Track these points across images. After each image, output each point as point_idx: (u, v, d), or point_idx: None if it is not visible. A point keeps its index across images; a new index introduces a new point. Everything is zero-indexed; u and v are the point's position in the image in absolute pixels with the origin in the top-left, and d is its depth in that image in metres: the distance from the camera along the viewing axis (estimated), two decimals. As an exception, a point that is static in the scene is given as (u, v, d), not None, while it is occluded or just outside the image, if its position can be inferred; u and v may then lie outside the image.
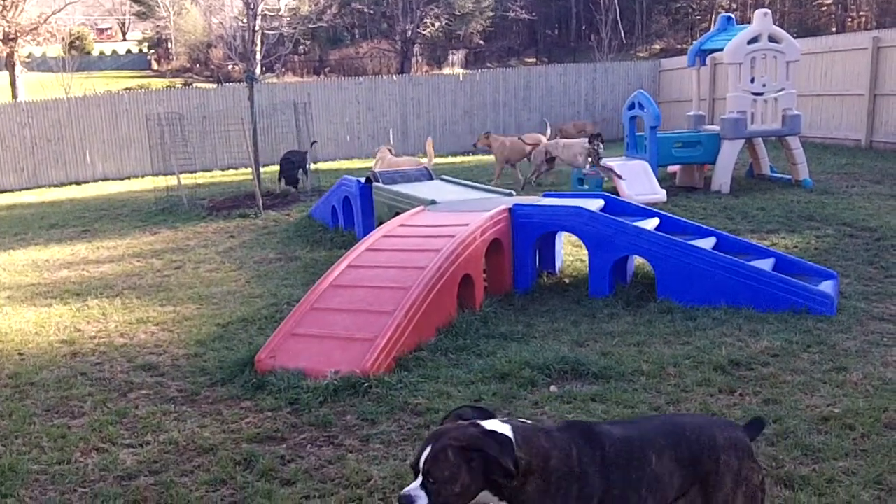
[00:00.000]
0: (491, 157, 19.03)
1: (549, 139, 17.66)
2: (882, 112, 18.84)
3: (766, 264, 8.28)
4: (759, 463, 3.34)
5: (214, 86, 31.48)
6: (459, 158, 23.96)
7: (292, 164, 18.19)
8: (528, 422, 3.15)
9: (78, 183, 25.00)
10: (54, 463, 5.29)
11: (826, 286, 7.87)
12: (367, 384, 6.15)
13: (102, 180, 25.24)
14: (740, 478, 3.22)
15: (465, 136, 28.40)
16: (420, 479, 2.86)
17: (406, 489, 2.88)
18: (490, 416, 3.06)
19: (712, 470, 3.20)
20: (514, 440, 2.89)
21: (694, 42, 16.75)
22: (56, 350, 7.86)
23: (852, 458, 4.77)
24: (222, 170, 24.41)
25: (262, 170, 17.84)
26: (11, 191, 24.28)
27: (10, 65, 37.15)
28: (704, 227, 9.49)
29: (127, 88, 33.04)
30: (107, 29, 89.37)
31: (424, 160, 15.62)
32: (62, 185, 24.90)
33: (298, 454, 5.26)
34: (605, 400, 5.79)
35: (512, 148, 17.38)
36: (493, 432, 2.88)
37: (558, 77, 29.34)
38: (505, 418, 3.07)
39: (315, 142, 18.80)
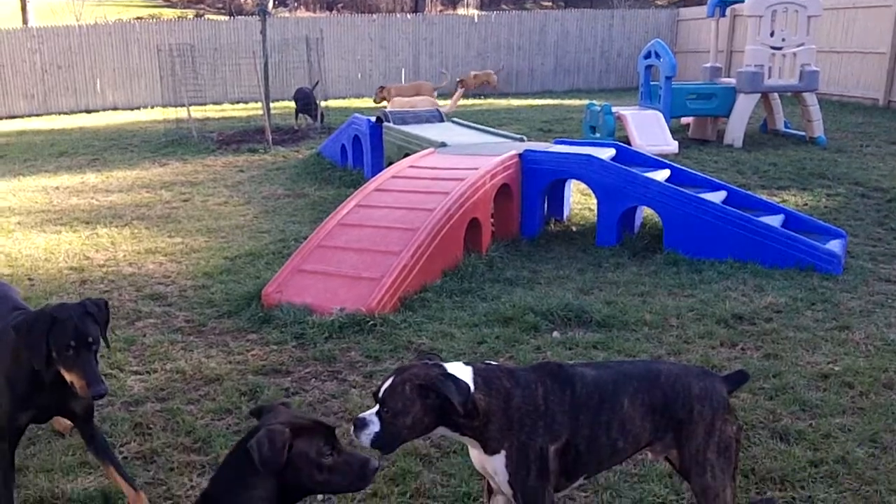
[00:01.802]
0: (498, 102, 18.93)
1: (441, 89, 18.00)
2: (901, 72, 18.64)
3: (774, 220, 8.27)
4: (736, 415, 3.35)
5: (226, 18, 31.22)
6: (470, 101, 23.81)
7: (307, 97, 18.25)
8: (494, 363, 3.23)
9: (88, 111, 24.92)
10: (62, 387, 5.36)
11: (834, 245, 7.88)
12: (371, 322, 6.21)
13: (112, 109, 25.14)
14: (713, 429, 3.23)
15: (477, 78, 28.21)
16: (377, 407, 2.99)
17: (362, 414, 3.03)
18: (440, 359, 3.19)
19: (685, 418, 3.23)
20: (473, 382, 3.01)
21: (714, -8, 16.52)
22: (65, 277, 7.92)
23: (849, 415, 4.82)
24: (232, 103, 24.30)
25: (272, 105, 17.76)
26: (21, 116, 24.21)
27: (21, -11, 36.75)
28: (715, 180, 9.47)
29: (138, 17, 32.77)
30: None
31: (443, 103, 15.54)
32: (72, 112, 24.82)
33: (303, 387, 5.33)
34: (606, 348, 5.84)
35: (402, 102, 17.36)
36: (452, 375, 2.98)
37: (574, 22, 29.01)
38: (468, 361, 3.19)
39: (318, 82, 18.71)
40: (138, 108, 25.15)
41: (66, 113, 24.74)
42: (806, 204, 10.24)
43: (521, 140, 10.26)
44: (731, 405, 3.33)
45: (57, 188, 12.60)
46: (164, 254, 8.68)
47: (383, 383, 3.02)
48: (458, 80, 20.93)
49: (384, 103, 19.43)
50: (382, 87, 20.73)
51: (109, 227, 9.92)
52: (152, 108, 24.00)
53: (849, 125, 16.42)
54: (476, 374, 3.06)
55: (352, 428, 3.02)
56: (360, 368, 5.60)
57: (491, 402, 3.02)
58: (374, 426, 2.96)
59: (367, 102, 22.31)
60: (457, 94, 15.74)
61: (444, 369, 3.03)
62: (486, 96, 24.51)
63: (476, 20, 29.01)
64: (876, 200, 10.35)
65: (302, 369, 5.62)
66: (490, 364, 3.22)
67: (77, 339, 3.46)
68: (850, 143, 14.41)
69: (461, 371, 3.05)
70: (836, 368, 5.44)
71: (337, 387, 5.33)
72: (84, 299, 3.72)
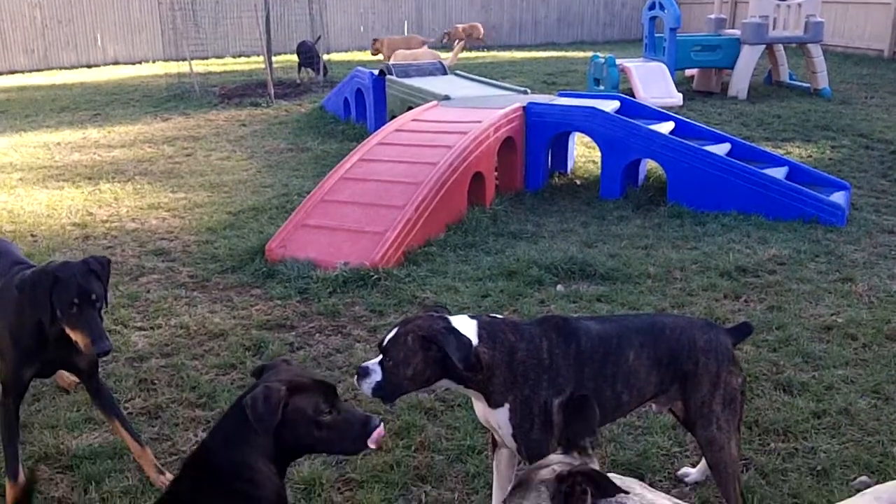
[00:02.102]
0: (501, 54, 18.79)
1: (431, 44, 18.25)
2: (907, 22, 18.45)
3: (779, 173, 8.24)
4: (740, 367, 3.37)
5: (227, -30, 30.86)
6: (474, 54, 23.62)
7: (309, 50, 18.17)
8: (499, 317, 3.24)
9: (89, 66, 24.72)
10: (67, 342, 5.38)
11: (838, 197, 7.86)
12: (375, 276, 6.21)
13: (113, 64, 24.95)
14: (719, 380, 3.25)
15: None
16: (380, 356, 3.02)
17: (365, 363, 3.06)
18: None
19: (691, 371, 3.24)
20: (478, 335, 3.03)
21: (719, -58, 16.33)
22: (68, 233, 7.92)
23: (852, 366, 4.83)
24: (234, 57, 24.09)
25: (274, 59, 17.64)
26: (22, 72, 24.03)
27: (19, -59, 36.37)
28: (719, 132, 9.42)
29: (138, -30, 32.42)
30: None
31: (445, 55, 15.43)
32: (73, 67, 24.63)
33: (307, 342, 5.35)
34: (610, 301, 5.85)
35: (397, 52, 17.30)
36: (455, 330, 2.99)
37: (578, -27, 28.68)
38: (473, 314, 3.18)
39: (320, 36, 18.60)
40: (140, 62, 24.94)
41: (66, 68, 24.54)
42: (810, 156, 10.20)
43: (525, 93, 10.19)
44: (736, 357, 3.34)
45: (59, 144, 12.54)
46: (167, 209, 8.66)
47: (387, 334, 3.04)
48: (444, 32, 20.86)
49: (379, 56, 19.68)
50: (376, 40, 20.94)
51: (112, 182, 9.90)
52: (154, 62, 23.80)
53: (853, 77, 16.29)
54: (481, 327, 3.06)
55: (355, 377, 3.05)
56: (364, 323, 5.62)
57: (495, 356, 3.02)
58: (377, 375, 2.98)
59: (370, 55, 22.13)
60: (457, 46, 15.63)
61: (449, 323, 3.03)
62: (474, 49, 24.26)
63: (479, -29, 28.67)
64: (880, 152, 10.30)
65: (306, 324, 5.63)
66: (495, 318, 3.21)
67: (80, 296, 3.46)
68: (855, 95, 14.31)
69: (466, 325, 3.05)
70: (839, 320, 5.45)
71: (341, 341, 5.35)
72: (87, 257, 3.72)
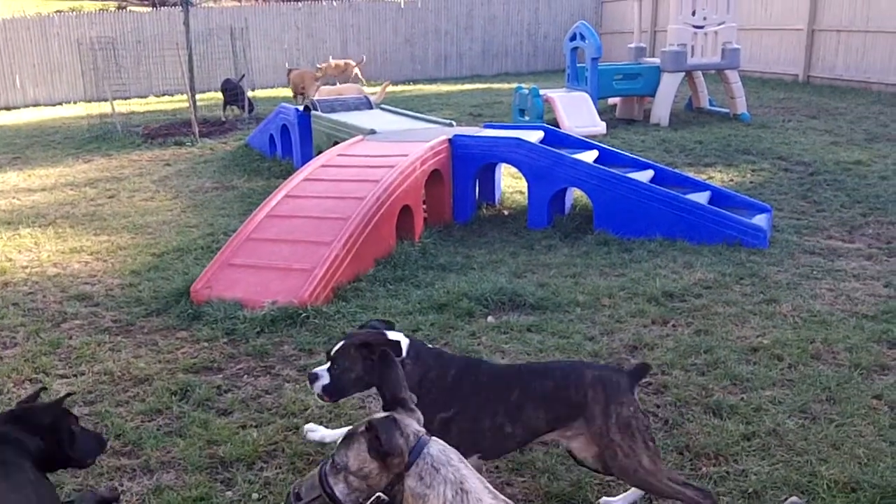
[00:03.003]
0: (428, 87, 18.89)
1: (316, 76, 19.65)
2: (820, 47, 19.06)
3: (702, 197, 8.38)
4: (634, 398, 3.50)
5: (149, 9, 30.56)
6: (399, 88, 23.72)
7: (234, 88, 18.08)
8: (431, 346, 3.85)
9: (7, 108, 24.23)
10: (-15, 394, 5.22)
11: (760, 219, 8.00)
12: (304, 314, 6.14)
13: (34, 106, 24.50)
14: (609, 410, 3.42)
15: (405, 63, 28.15)
16: (328, 364, 3.55)
17: (315, 369, 3.61)
18: (392, 327, 3.78)
19: (582, 403, 3.47)
20: (406, 351, 3.56)
21: (636, -27, 16.68)
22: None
23: (779, 387, 4.90)
24: (157, 96, 23.84)
25: (198, 97, 17.48)
26: (-63, 115, 23.48)
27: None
28: (642, 159, 9.55)
29: (58, 10, 31.93)
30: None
31: (369, 90, 15.45)
32: (-9, 109, 24.14)
33: (235, 384, 5.25)
34: (541, 330, 5.86)
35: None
36: (392, 342, 3.54)
37: (501, 6, 29.02)
38: (409, 334, 3.77)
39: (244, 75, 18.52)
40: (60, 103, 24.54)
41: (-16, 110, 24.04)
42: (732, 180, 10.40)
43: (451, 125, 10.24)
44: (628, 390, 3.49)
45: (-24, 189, 12.23)
46: (89, 252, 8.47)
47: (335, 345, 3.57)
48: (316, 67, 21.10)
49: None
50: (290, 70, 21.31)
51: (32, 226, 9.66)
52: (75, 103, 23.43)
53: (771, 101, 16.73)
54: (411, 345, 3.61)
55: (307, 381, 3.60)
56: (294, 362, 5.54)
57: (413, 370, 3.50)
58: (325, 379, 3.53)
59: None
60: (383, 85, 15.74)
61: (387, 337, 3.58)
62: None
63: (403, 6, 28.83)
64: (799, 174, 10.55)
65: (234, 366, 5.53)
66: (426, 344, 3.80)
67: None
68: (773, 119, 14.68)
69: (400, 339, 3.61)
70: (765, 341, 5.53)
71: (270, 382, 5.26)
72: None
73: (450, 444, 2.51)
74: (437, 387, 3.54)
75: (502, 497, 2.35)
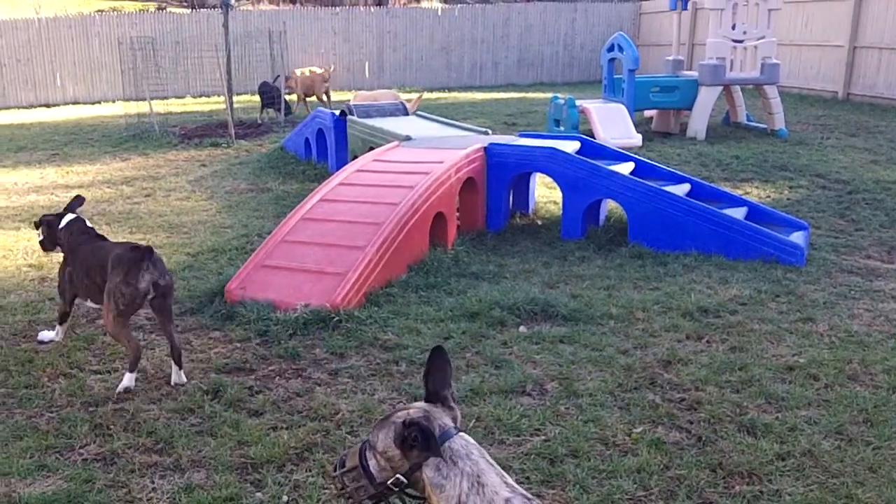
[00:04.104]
0: (462, 95, 18.94)
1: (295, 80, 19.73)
2: (861, 64, 18.85)
3: (738, 213, 8.31)
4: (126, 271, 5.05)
5: (188, 11, 30.85)
6: (434, 95, 23.76)
7: (271, 91, 18.17)
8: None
9: (48, 105, 24.53)
10: (21, 387, 5.26)
11: (797, 237, 7.93)
12: (336, 318, 6.14)
13: (73, 104, 24.79)
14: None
15: (441, 71, 28.18)
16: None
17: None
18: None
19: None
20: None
21: (677, -15, 16.61)
22: (24, 274, 7.77)
23: (815, 407, 4.84)
24: (195, 97, 24.03)
25: (235, 99, 17.60)
26: (-22, 111, 23.80)
27: (-22, -20, 36.17)
28: (679, 173, 9.49)
29: (99, 10, 32.27)
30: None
31: (406, 96, 15.50)
32: (31, 106, 24.42)
33: (267, 385, 5.26)
34: (573, 342, 5.82)
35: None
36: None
37: (538, 15, 29.01)
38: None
39: (279, 76, 18.63)
40: (99, 102, 24.80)
41: (24, 107, 24.32)
42: (769, 196, 10.31)
43: (486, 133, 10.23)
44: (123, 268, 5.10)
45: (15, 184, 12.37)
46: (124, 250, 8.53)
47: None
48: (282, 76, 21.39)
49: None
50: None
51: (69, 223, 9.73)
52: (114, 102, 23.66)
53: (809, 117, 16.57)
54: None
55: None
56: (325, 365, 5.54)
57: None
58: None
59: (332, 95, 22.15)
60: (418, 95, 15.79)
61: None
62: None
63: (440, 13, 28.91)
64: (837, 192, 10.44)
65: (266, 367, 5.54)
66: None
67: None
68: (811, 136, 14.54)
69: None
70: (801, 360, 5.46)
71: (301, 384, 5.27)
72: None
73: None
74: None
75: (521, 491, 2.38)
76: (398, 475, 2.52)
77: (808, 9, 20.24)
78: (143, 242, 8.68)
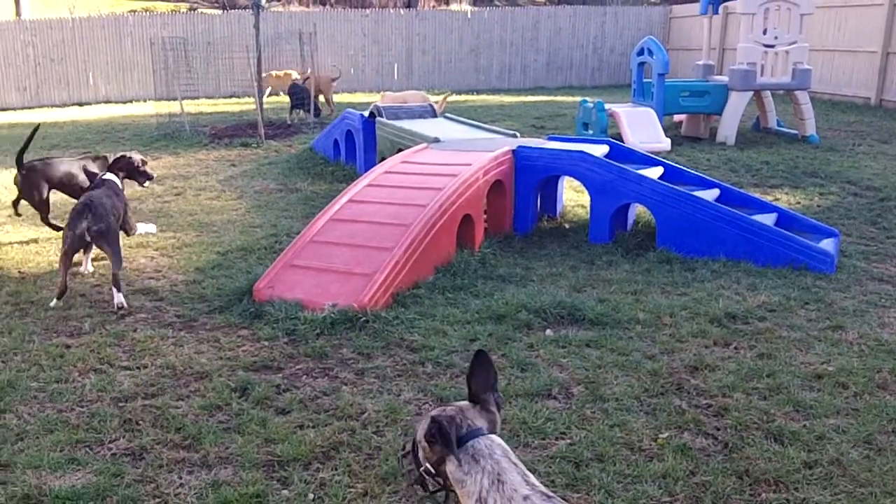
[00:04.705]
0: (491, 98, 18.93)
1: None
2: (894, 70, 18.68)
3: (768, 219, 8.26)
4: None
5: (220, 12, 31.06)
6: (463, 97, 23.78)
7: (301, 92, 18.27)
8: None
9: (80, 104, 24.81)
10: (52, 381, 5.33)
11: (827, 244, 7.87)
12: (363, 318, 6.17)
13: (105, 103, 25.06)
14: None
15: (469, 73, 28.25)
16: None
17: None
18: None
19: None
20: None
21: (708, -10, 16.54)
22: (56, 270, 7.86)
23: (843, 416, 4.80)
24: (225, 97, 24.21)
25: (265, 99, 17.70)
26: (13, 109, 24.09)
27: (13, -20, 36.60)
28: (708, 178, 9.45)
29: (132, 10, 32.54)
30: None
31: (435, 98, 15.54)
32: (64, 105, 24.72)
33: (294, 384, 5.29)
34: (599, 346, 5.81)
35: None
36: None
37: (567, 19, 29.00)
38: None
39: (308, 77, 18.72)
40: (131, 101, 25.06)
41: (58, 106, 24.62)
42: (799, 202, 10.24)
43: (514, 136, 10.23)
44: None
45: (47, 181, 12.48)
46: (155, 248, 8.62)
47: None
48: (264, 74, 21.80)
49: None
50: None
51: (100, 220, 9.84)
52: (145, 101, 23.90)
53: (841, 124, 16.44)
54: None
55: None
56: (352, 365, 5.57)
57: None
58: None
59: (360, 97, 22.28)
60: (444, 96, 15.81)
61: None
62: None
63: (469, 16, 28.95)
64: (868, 199, 10.36)
65: (293, 366, 5.58)
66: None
67: None
68: (842, 142, 14.43)
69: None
70: (830, 368, 5.42)
71: (328, 383, 5.30)
72: None
73: None
74: None
75: (542, 489, 2.42)
76: (427, 465, 2.68)
77: (841, 14, 20.09)
78: (174, 240, 8.80)
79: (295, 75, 20.62)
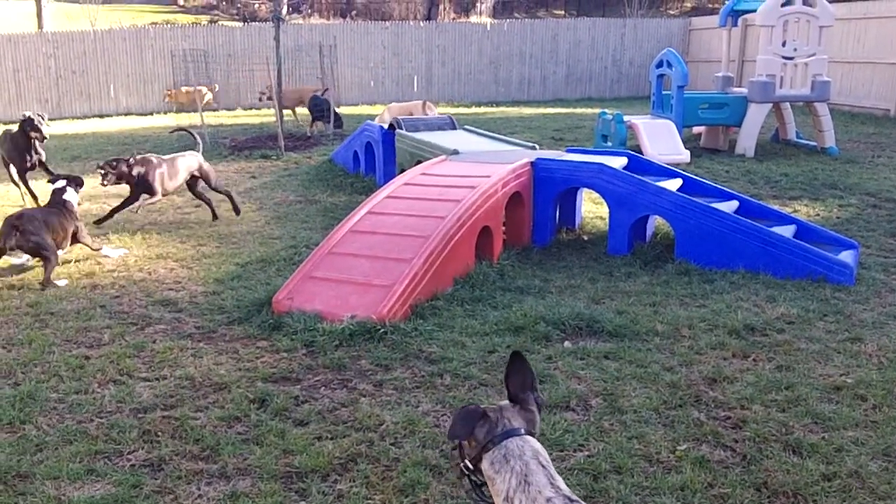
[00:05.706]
0: (510, 110, 18.95)
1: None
2: (914, 82, 18.58)
3: (786, 231, 8.23)
4: None
5: (240, 24, 31.29)
6: (483, 109, 23.83)
7: (321, 104, 18.36)
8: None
9: (101, 116, 25.02)
10: (72, 392, 5.37)
11: (846, 256, 7.83)
12: (382, 330, 6.19)
13: (126, 115, 25.26)
14: None
15: (489, 85, 28.30)
16: None
17: None
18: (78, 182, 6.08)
19: None
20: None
21: (727, 1, 16.52)
22: (76, 282, 7.93)
23: (862, 428, 4.78)
24: (245, 109, 24.36)
25: (285, 111, 17.80)
26: (35, 120, 24.28)
27: (36, -6, 36.96)
28: (727, 190, 9.43)
29: (153, 23, 32.85)
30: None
31: (454, 111, 15.58)
32: (85, 117, 24.93)
33: (312, 395, 5.31)
34: (618, 358, 5.81)
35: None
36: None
37: (587, 30, 29.03)
38: None
39: (327, 89, 18.82)
40: (151, 113, 25.24)
41: (79, 118, 24.84)
42: (818, 214, 10.20)
43: (533, 148, 10.25)
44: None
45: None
46: (175, 259, 8.68)
47: None
48: (165, 91, 21.81)
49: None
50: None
51: (121, 232, 9.94)
52: (165, 113, 24.08)
53: (860, 135, 16.37)
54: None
55: None
56: (371, 377, 5.59)
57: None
58: None
59: (380, 109, 22.33)
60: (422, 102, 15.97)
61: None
62: (212, 111, 23.12)
63: (489, 28, 29.03)
64: (888, 211, 10.30)
65: (312, 377, 5.60)
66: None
67: None
68: (862, 154, 14.36)
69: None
70: (849, 381, 5.40)
71: (347, 395, 5.32)
72: None
73: None
74: None
75: (566, 493, 2.46)
76: (466, 461, 2.77)
77: (860, 25, 20.02)
78: (193, 251, 8.86)
79: (204, 90, 20.79)
